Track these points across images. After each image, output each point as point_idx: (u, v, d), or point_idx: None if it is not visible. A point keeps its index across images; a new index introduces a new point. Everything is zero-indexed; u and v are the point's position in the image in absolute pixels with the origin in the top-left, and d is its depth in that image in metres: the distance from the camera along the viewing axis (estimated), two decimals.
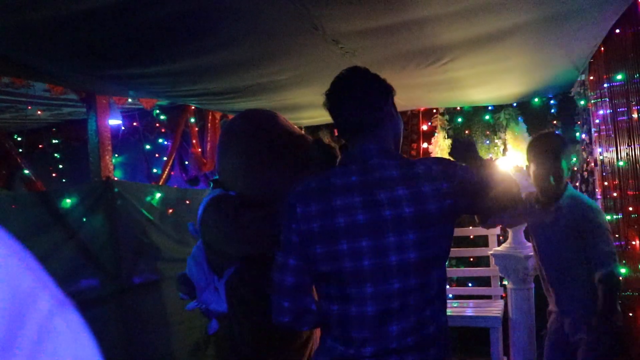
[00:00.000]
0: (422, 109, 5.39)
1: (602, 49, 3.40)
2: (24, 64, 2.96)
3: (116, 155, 4.88)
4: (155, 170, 5.54)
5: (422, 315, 1.58)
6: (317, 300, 1.70)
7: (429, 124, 5.39)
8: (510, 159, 4.86)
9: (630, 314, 3.05)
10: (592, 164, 4.26)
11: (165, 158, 5.39)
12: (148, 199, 4.22)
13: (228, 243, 2.13)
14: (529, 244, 4.19)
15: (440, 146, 5.26)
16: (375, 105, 1.67)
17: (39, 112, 4.41)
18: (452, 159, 2.03)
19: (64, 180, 6.07)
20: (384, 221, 1.54)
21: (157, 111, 5.45)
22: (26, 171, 3.50)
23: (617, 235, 3.25)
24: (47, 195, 3.46)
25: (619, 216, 3.32)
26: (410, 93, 4.23)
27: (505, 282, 4.56)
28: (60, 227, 3.47)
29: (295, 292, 1.62)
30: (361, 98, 1.66)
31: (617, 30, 3.04)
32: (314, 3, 2.10)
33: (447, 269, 5.08)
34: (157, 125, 5.56)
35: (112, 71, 3.00)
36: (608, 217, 3.21)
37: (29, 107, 4.20)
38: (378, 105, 1.67)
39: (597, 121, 3.94)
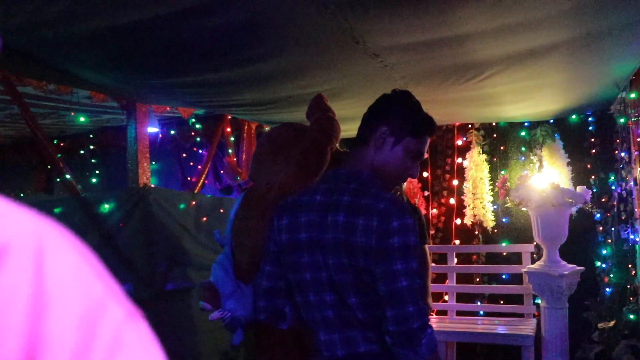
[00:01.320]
0: (457, 123, 5.36)
1: None
2: (68, 72, 3.04)
3: (153, 162, 4.96)
4: (189, 178, 5.61)
5: (349, 334, 1.69)
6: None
7: (464, 139, 5.36)
8: (546, 176, 4.80)
9: None
10: (631, 183, 4.18)
11: (200, 167, 5.45)
12: (182, 206, 4.27)
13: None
14: (564, 263, 4.14)
15: (475, 161, 5.22)
16: (369, 122, 1.79)
17: (82, 119, 4.49)
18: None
19: (100, 186, 6.18)
20: (324, 240, 1.67)
21: (194, 120, 5.52)
22: (67, 176, 3.58)
23: None
24: (86, 200, 3.53)
25: None
26: (447, 108, 4.22)
27: (538, 301, 4.50)
28: (97, 232, 3.54)
29: (268, 295, 1.83)
30: (368, 114, 1.82)
31: None
32: (357, 19, 2.13)
33: (479, 285, 5.11)
34: (193, 134, 5.63)
35: (154, 81, 3.06)
36: None
37: (72, 114, 4.29)
38: (371, 124, 1.77)
39: (638, 140, 3.87)
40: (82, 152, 6.31)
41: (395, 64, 2.82)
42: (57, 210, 3.32)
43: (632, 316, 4.12)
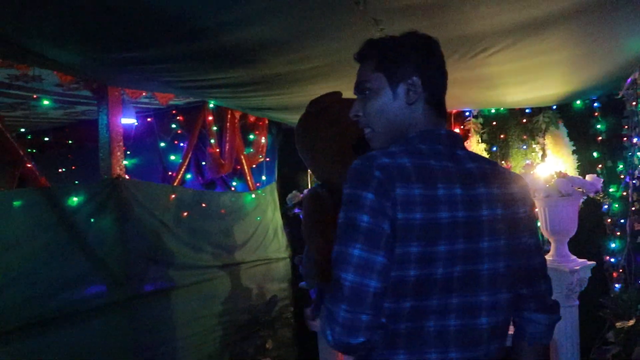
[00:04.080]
0: (454, 111, 5.07)
1: None
2: (30, 49, 2.71)
3: (129, 153, 4.62)
4: (170, 173, 5.27)
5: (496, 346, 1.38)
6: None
7: (462, 127, 5.07)
8: (550, 165, 4.52)
9: None
10: None
11: (181, 160, 5.12)
12: (161, 200, 3.94)
13: None
14: (574, 257, 3.85)
15: (474, 151, 4.93)
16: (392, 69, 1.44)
17: (45, 102, 4.16)
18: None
19: (75, 183, 5.83)
20: (480, 222, 1.31)
21: (174, 111, 5.19)
22: (29, 165, 3.22)
23: None
24: (52, 192, 3.18)
25: None
26: (449, 90, 3.92)
27: None
28: (65, 228, 3.19)
29: (378, 302, 1.21)
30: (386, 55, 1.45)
31: None
32: None
33: None
34: (173, 126, 5.30)
35: (122, 55, 2.72)
36: None
37: (35, 97, 3.94)
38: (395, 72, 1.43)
39: None
40: (53, 145, 5.96)
41: (396, 32, 2.50)
42: (16, 203, 2.95)
43: None
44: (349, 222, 1.23)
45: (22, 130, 6.13)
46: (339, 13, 2.25)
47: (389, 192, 1.21)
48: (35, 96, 3.99)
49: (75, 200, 3.27)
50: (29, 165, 3.53)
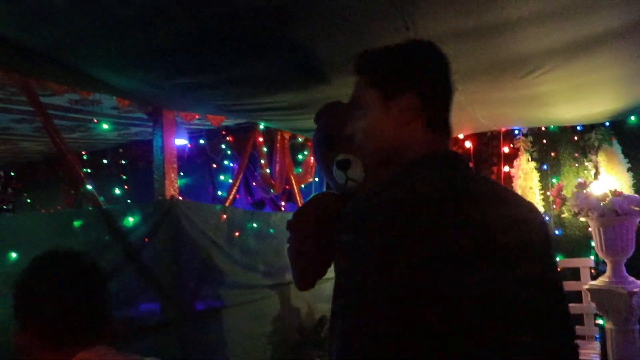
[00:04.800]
0: (502, 129, 5.02)
1: None
2: (90, 75, 2.83)
3: (182, 175, 4.74)
4: (220, 193, 5.38)
5: None
6: None
7: (511, 145, 5.01)
8: (603, 183, 4.41)
9: None
10: None
11: (230, 180, 5.21)
12: (214, 220, 4.02)
13: None
14: (632, 278, 3.74)
15: (523, 170, 4.87)
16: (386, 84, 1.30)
17: (105, 126, 4.32)
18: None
19: (127, 201, 5.99)
20: (495, 246, 1.09)
21: (224, 132, 5.31)
22: (89, 187, 3.35)
23: None
24: (109, 213, 3.29)
25: None
26: (498, 109, 3.90)
27: (600, 321, 4.09)
28: (121, 247, 3.29)
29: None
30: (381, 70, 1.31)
31: None
32: None
33: None
34: (224, 147, 5.41)
35: (181, 79, 2.81)
36: None
37: (95, 121, 4.10)
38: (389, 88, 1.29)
39: None
40: (108, 165, 6.16)
41: (447, 56, 2.51)
42: (77, 223, 3.07)
43: None
44: None
45: (81, 151, 6.37)
46: (391, 36, 2.27)
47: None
48: (95, 120, 4.14)
49: (130, 220, 3.37)
50: (89, 187, 3.67)
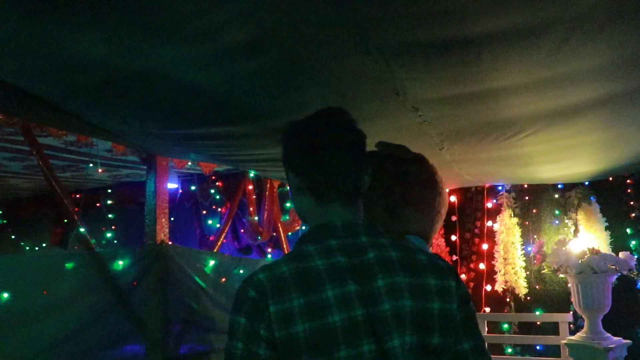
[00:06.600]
0: (486, 185, 5.17)
1: None
2: (88, 122, 2.92)
3: (172, 219, 4.80)
4: (207, 236, 5.43)
5: None
6: None
7: (494, 201, 5.16)
8: (582, 241, 4.55)
9: None
10: None
11: (218, 225, 5.28)
12: (201, 265, 4.07)
13: None
14: (608, 335, 3.83)
15: (506, 225, 5.00)
16: (365, 164, 1.30)
17: (99, 171, 4.39)
18: None
19: (115, 242, 6.01)
20: (383, 318, 1.14)
21: (213, 177, 5.40)
22: (82, 229, 3.42)
23: None
24: (100, 256, 3.35)
25: None
26: (482, 168, 4.04)
27: None
28: (109, 289, 3.34)
29: None
30: (356, 151, 1.28)
31: None
32: (399, 65, 1.97)
33: (511, 356, 4.77)
34: (212, 191, 5.49)
35: (178, 131, 2.92)
36: None
37: (90, 165, 4.18)
38: (366, 165, 1.31)
39: None
40: (98, 205, 6.19)
41: (434, 118, 2.66)
42: (69, 265, 3.13)
43: None
44: (226, 350, 1.17)
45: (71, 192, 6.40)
46: (382, 101, 2.40)
47: (263, 311, 1.13)
48: (91, 164, 4.22)
49: (120, 264, 3.43)
50: (79, 225, 3.72)
